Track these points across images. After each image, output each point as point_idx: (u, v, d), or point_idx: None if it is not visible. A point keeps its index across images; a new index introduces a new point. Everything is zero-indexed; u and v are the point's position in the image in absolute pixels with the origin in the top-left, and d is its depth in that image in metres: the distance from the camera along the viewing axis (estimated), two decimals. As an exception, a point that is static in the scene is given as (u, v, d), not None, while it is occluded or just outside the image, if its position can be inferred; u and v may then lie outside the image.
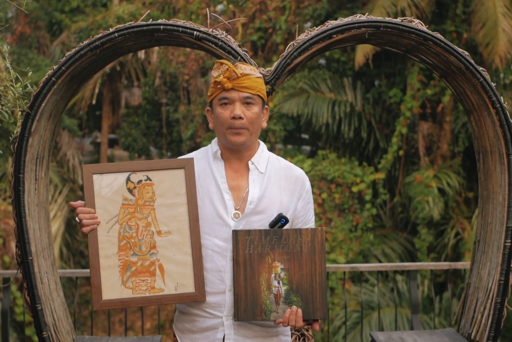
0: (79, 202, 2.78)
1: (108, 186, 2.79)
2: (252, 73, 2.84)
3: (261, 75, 2.90)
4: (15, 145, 3.23)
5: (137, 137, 19.37)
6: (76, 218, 2.73)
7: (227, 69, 2.78)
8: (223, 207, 2.82)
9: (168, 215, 2.80)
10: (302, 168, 14.07)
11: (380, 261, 13.63)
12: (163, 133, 19.55)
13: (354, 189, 14.20)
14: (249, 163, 2.88)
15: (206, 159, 2.92)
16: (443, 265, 6.11)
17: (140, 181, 2.80)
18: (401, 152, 14.48)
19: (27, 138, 3.22)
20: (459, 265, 6.06)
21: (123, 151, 21.68)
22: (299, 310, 2.72)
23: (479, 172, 3.80)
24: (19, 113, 3.21)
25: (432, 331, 4.27)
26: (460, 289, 12.18)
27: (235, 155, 2.89)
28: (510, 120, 3.41)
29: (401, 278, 12.02)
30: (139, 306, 2.87)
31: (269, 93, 3.41)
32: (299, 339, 3.32)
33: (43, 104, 3.23)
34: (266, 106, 2.92)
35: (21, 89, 3.15)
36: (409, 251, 14.26)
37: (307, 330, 3.32)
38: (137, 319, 15.57)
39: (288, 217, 2.84)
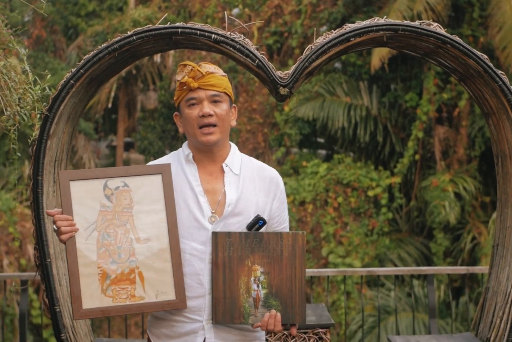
0: (56, 209, 2.72)
1: (85, 193, 2.73)
2: (216, 71, 2.79)
3: (225, 74, 2.86)
4: (34, 148, 3.24)
5: (153, 140, 19.41)
6: (54, 226, 2.67)
7: (191, 69, 2.75)
8: (199, 210, 2.77)
9: (146, 221, 2.75)
10: (317, 172, 14.14)
11: (396, 266, 13.58)
12: (178, 137, 19.58)
13: (370, 193, 14.18)
14: (223, 165, 2.83)
15: (178, 163, 2.86)
16: (461, 269, 6.08)
17: (117, 188, 2.75)
18: (417, 156, 14.45)
19: (45, 140, 3.22)
20: (476, 269, 6.03)
21: (138, 154, 21.75)
22: (278, 314, 2.68)
23: (497, 176, 3.77)
24: (37, 115, 3.22)
25: (450, 336, 4.25)
26: (477, 293, 12.12)
27: (207, 156, 2.84)
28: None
29: (417, 283, 11.97)
30: (120, 314, 2.79)
31: (287, 96, 3.40)
32: (316, 343, 3.31)
33: (61, 107, 3.24)
34: (234, 105, 2.88)
35: (39, 92, 3.16)
36: (425, 255, 14.21)
37: (325, 334, 3.30)
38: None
39: (265, 218, 2.80)
